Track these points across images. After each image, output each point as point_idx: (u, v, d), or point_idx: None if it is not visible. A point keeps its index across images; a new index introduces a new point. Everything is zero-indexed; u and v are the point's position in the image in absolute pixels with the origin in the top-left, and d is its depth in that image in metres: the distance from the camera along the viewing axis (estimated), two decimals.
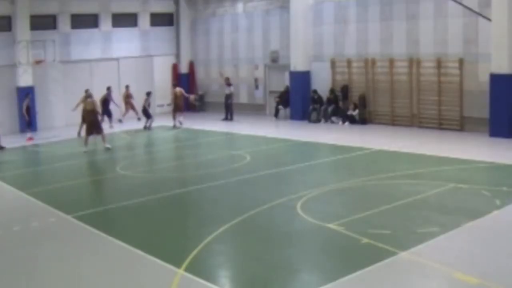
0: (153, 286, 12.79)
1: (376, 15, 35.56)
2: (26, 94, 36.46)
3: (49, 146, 33.01)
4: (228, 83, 41.34)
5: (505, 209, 17.09)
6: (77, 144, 32.48)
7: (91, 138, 30.62)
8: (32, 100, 37.38)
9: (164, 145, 33.80)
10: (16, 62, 39.42)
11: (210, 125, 37.36)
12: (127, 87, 42.14)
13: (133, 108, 42.26)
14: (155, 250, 14.71)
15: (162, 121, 40.12)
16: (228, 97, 41.11)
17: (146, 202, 20.11)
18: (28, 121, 35.61)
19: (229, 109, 40.99)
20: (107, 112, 38.73)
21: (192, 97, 43.77)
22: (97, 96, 35.87)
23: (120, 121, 41.56)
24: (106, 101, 38.52)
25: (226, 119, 40.65)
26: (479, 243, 14.58)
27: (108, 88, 39.16)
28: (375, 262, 13.29)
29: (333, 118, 37.31)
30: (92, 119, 30.95)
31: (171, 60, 49.03)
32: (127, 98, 42.37)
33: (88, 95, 31.91)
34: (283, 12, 41.06)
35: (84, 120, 32.11)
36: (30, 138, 34.71)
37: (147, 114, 38.34)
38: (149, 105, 39.05)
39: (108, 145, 30.62)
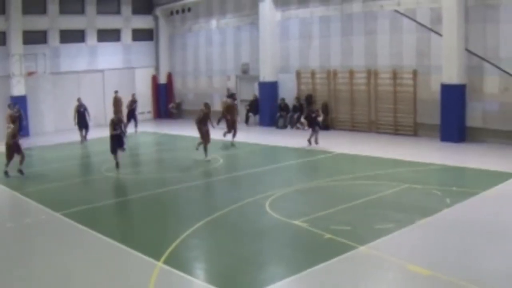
0: (135, 277, 12.76)
1: (337, 31, 35.60)
2: (14, 104, 35.78)
3: (40, 150, 32.72)
4: (230, 95, 41.15)
5: (455, 207, 17.18)
6: (65, 148, 32.32)
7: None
8: (24, 109, 37.09)
9: (145, 149, 33.64)
10: (10, 74, 39.43)
11: (187, 130, 37.19)
12: (116, 92, 41.41)
13: (120, 113, 41.84)
14: (137, 245, 14.66)
15: (142, 128, 39.90)
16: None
17: (128, 201, 20.08)
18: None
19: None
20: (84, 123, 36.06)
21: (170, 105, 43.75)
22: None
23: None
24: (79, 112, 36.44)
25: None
26: (431, 238, 14.62)
27: (78, 99, 36.54)
28: (336, 256, 13.31)
29: (298, 124, 37.33)
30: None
31: (151, 71, 48.90)
32: (116, 103, 41.94)
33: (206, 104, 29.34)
34: (253, 28, 41.04)
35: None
36: None
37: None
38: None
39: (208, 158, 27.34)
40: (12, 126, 25.73)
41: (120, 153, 25.91)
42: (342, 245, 14.04)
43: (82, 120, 35.08)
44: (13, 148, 24.63)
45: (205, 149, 27.33)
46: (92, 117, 37.43)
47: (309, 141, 29.82)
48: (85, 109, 35.43)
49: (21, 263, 13.92)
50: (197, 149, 27.98)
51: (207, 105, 28.87)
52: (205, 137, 27.58)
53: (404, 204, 17.89)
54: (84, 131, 35.11)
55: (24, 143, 33.38)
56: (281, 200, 19.10)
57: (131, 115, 38.48)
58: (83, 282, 12.60)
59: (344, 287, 11.91)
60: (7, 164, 24.70)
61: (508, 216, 16.34)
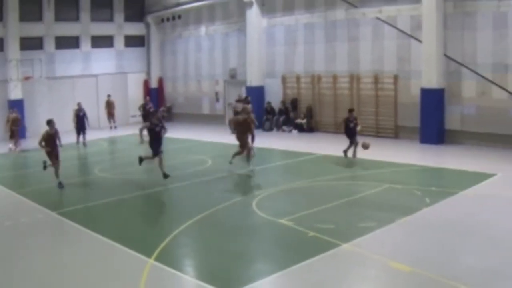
0: (127, 274, 12.73)
1: (321, 37, 35.64)
2: (12, 107, 36.11)
3: (36, 151, 32.48)
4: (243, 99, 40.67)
5: (434, 207, 17.20)
6: (61, 150, 32.14)
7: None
8: (21, 112, 36.93)
9: (137, 150, 33.46)
10: (8, 78, 39.55)
11: (177, 133, 37.10)
12: (108, 96, 42.07)
13: (112, 116, 41.92)
14: (129, 242, 14.61)
15: (134, 130, 39.72)
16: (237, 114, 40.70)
17: (121, 200, 19.93)
18: (10, 134, 34.35)
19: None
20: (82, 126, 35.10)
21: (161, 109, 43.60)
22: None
23: (111, 128, 42.06)
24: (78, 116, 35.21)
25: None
26: (411, 236, 14.63)
27: (78, 104, 35.84)
28: (320, 253, 13.31)
29: (284, 127, 37.39)
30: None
31: (142, 76, 48.83)
32: (108, 105, 42.05)
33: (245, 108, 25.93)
34: (240, 35, 41.04)
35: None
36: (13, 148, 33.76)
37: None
38: None
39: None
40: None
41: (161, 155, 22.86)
42: (326, 242, 14.03)
43: (80, 124, 34.83)
44: (50, 154, 23.00)
45: (248, 158, 24.99)
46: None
47: (345, 152, 26.08)
48: (84, 114, 35.10)
49: (18, 259, 13.83)
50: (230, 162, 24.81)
51: (245, 109, 25.49)
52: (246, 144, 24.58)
53: (386, 203, 17.88)
54: (82, 136, 34.78)
55: (21, 145, 33.50)
56: (267, 199, 19.07)
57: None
58: (77, 278, 12.53)
59: (328, 283, 11.89)
60: (57, 174, 22.88)
61: (485, 215, 16.37)
